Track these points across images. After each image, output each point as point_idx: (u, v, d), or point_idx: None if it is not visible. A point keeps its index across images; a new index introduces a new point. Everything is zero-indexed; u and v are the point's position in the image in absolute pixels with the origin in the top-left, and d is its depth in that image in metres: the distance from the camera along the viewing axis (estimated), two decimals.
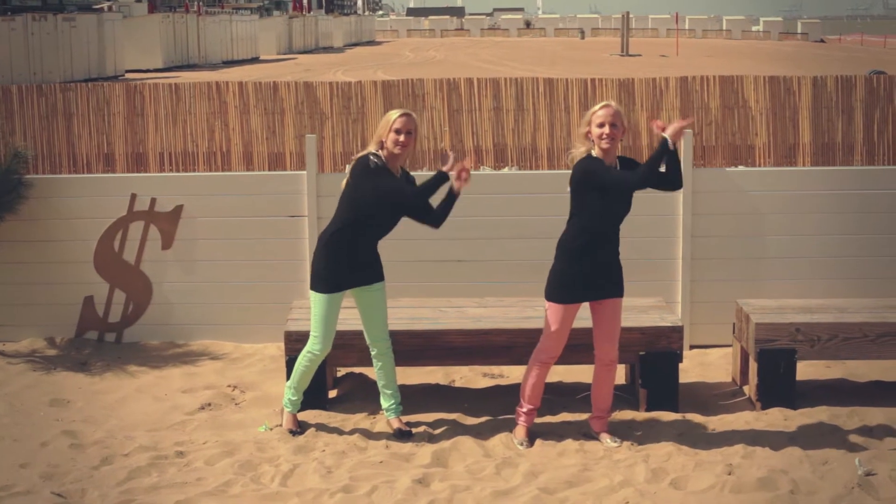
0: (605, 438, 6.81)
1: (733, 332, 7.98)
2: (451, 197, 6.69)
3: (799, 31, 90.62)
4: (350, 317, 7.17)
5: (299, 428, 6.97)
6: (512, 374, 8.10)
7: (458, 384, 8.03)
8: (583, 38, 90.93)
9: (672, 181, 6.65)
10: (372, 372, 7.43)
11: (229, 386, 7.93)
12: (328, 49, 70.83)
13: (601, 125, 6.51)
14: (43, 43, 35.98)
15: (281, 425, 7.00)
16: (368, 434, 6.94)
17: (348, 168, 6.88)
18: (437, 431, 6.96)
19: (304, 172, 8.80)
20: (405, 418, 7.05)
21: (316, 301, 6.78)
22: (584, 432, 6.93)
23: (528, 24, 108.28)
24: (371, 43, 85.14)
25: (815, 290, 8.58)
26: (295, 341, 7.23)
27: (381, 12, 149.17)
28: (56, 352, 8.71)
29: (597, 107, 6.59)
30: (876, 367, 8.15)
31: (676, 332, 7.34)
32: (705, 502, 5.94)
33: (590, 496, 5.99)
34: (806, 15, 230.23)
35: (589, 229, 6.58)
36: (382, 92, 13.99)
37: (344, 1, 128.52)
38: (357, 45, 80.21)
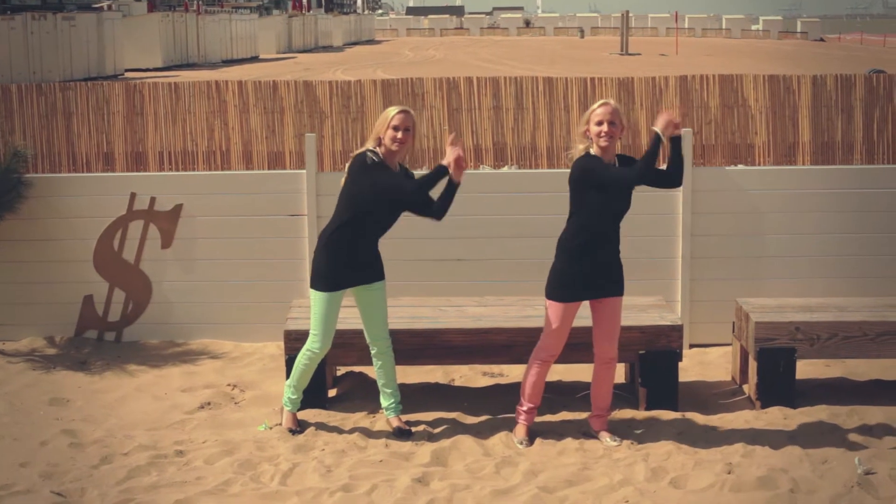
0: (605, 437, 6.81)
1: (733, 331, 7.98)
2: (452, 187, 6.63)
3: (798, 29, 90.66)
4: (350, 316, 7.17)
5: (299, 427, 6.97)
6: (512, 373, 8.10)
7: (457, 383, 8.03)
8: (582, 36, 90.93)
9: (673, 178, 6.66)
10: (371, 371, 7.43)
11: (229, 385, 7.93)
12: (328, 48, 70.82)
13: (599, 123, 6.52)
14: (42, 42, 35.96)
15: (280, 424, 7.00)
16: (368, 433, 6.94)
17: (347, 166, 6.88)
18: (437, 430, 6.96)
19: (304, 171, 8.80)
20: (405, 417, 7.05)
21: (316, 299, 6.78)
22: (584, 431, 6.93)
23: (527, 23, 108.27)
24: (370, 42, 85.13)
25: (815, 289, 8.59)
26: (294, 340, 7.23)
27: (380, 11, 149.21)
28: (56, 351, 8.71)
29: (595, 105, 6.60)
30: (876, 366, 8.15)
31: (676, 330, 7.34)
32: (705, 501, 5.94)
33: (589, 495, 5.99)
34: (805, 14, 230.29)
35: (588, 228, 6.58)
36: (382, 91, 13.99)
37: (343, 0, 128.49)
38: (356, 44, 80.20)
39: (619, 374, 7.82)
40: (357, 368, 8.04)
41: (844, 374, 8.14)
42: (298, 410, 7.07)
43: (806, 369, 7.87)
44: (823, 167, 12.07)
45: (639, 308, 7.66)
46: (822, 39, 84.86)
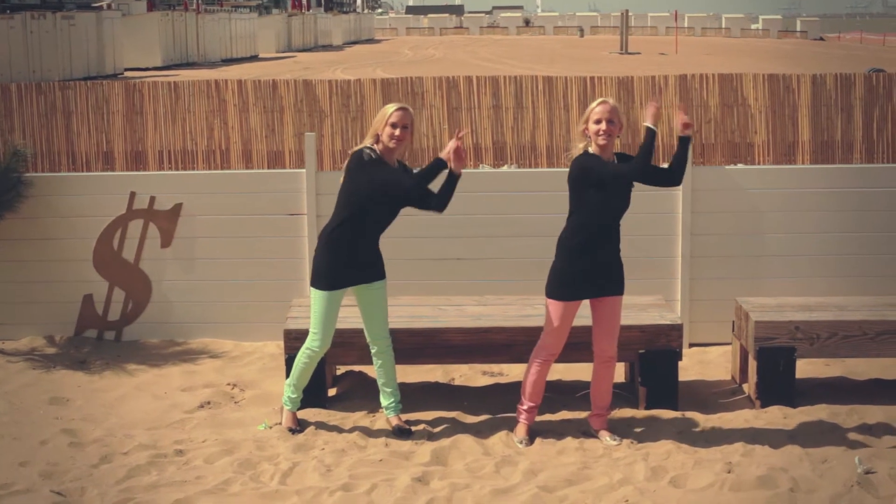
0: (605, 436, 6.81)
1: (733, 331, 7.98)
2: (452, 179, 6.61)
3: (798, 29, 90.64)
4: (350, 315, 7.17)
5: (299, 426, 6.97)
6: (511, 372, 8.11)
7: (457, 382, 8.03)
8: (582, 36, 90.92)
9: (675, 177, 6.68)
10: (371, 370, 7.43)
11: (229, 384, 7.93)
12: (327, 47, 70.79)
13: (598, 121, 6.54)
14: (42, 41, 35.95)
15: (280, 423, 7.00)
16: (368, 432, 6.93)
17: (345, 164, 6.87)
18: (437, 430, 6.96)
19: (304, 170, 8.79)
20: (405, 416, 7.05)
21: (316, 298, 6.78)
22: (584, 430, 6.93)
23: (527, 23, 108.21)
24: (370, 41, 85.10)
25: (815, 288, 8.59)
26: (294, 339, 7.23)
27: (380, 10, 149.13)
28: (55, 350, 8.70)
29: (594, 103, 6.62)
30: (875, 365, 8.15)
31: (676, 330, 7.34)
32: (705, 500, 5.94)
33: (589, 494, 5.99)
34: (805, 13, 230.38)
35: (588, 226, 6.59)
36: (382, 90, 14.00)
37: None
38: (356, 43, 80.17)
39: (619, 373, 7.82)
40: (357, 368, 8.04)
41: (844, 373, 8.14)
42: (298, 410, 7.07)
43: (806, 368, 7.87)
44: (823, 166, 12.07)
45: (639, 307, 7.66)
46: (821, 38, 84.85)
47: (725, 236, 8.74)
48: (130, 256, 8.88)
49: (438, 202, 6.70)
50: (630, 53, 56.28)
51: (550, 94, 14.21)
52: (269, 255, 8.84)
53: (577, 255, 6.61)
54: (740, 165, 12.60)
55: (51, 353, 8.64)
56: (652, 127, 6.50)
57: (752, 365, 7.45)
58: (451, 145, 6.52)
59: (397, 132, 6.63)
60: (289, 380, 7.01)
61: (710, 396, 7.71)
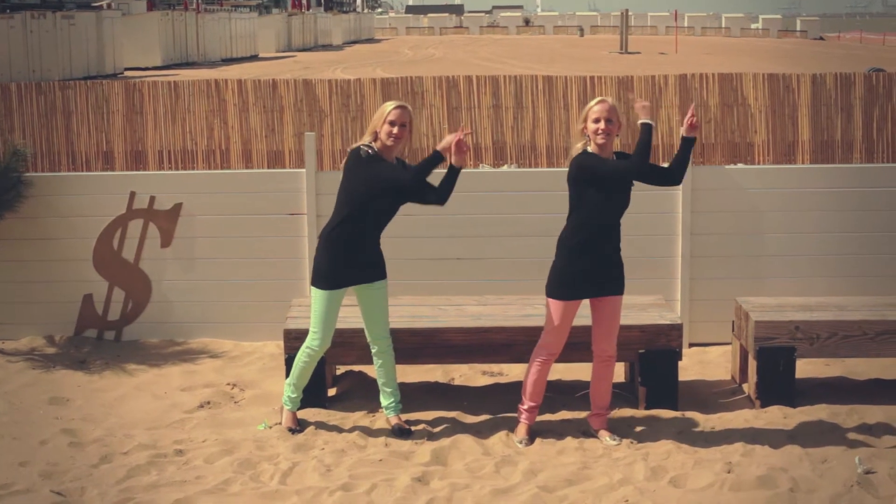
0: (605, 436, 6.81)
1: (733, 330, 7.98)
2: (453, 171, 6.62)
3: (798, 28, 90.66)
4: (349, 315, 7.17)
5: (299, 426, 6.97)
6: (511, 372, 8.10)
7: (457, 382, 8.03)
8: (582, 35, 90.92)
9: (675, 176, 6.68)
10: (371, 370, 7.43)
11: (228, 384, 7.93)
12: (327, 47, 70.78)
13: (596, 120, 6.54)
14: (42, 41, 35.94)
15: (280, 423, 7.00)
16: (368, 432, 6.93)
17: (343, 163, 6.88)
18: (437, 430, 6.95)
19: (304, 170, 8.79)
20: (404, 416, 7.05)
21: (316, 297, 6.78)
22: (584, 430, 6.93)
23: (527, 22, 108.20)
24: (370, 40, 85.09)
25: (815, 288, 8.59)
26: (294, 339, 7.23)
27: (380, 10, 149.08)
28: (55, 350, 8.70)
29: (593, 102, 6.62)
30: (875, 365, 8.15)
31: (676, 329, 7.34)
32: (704, 500, 5.93)
33: (589, 494, 5.99)
34: (805, 12, 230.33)
35: (588, 225, 6.59)
36: (381, 90, 14.01)
37: None
38: (356, 42, 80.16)
39: (619, 373, 7.83)
40: (356, 367, 8.04)
41: (844, 373, 8.14)
42: (298, 410, 7.06)
43: (805, 368, 7.87)
44: (823, 166, 12.07)
45: (639, 307, 7.66)
46: (821, 38, 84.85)
47: (725, 236, 8.74)
48: (130, 256, 8.88)
49: (439, 195, 6.70)
50: (630, 53, 56.28)
51: (550, 93, 14.22)
52: (269, 255, 8.84)
53: (577, 255, 6.61)
54: (740, 165, 12.61)
55: (51, 352, 8.64)
56: (648, 122, 6.50)
57: (752, 365, 7.45)
58: (449, 138, 6.54)
59: (395, 130, 6.63)
60: (289, 379, 7.01)
61: (710, 396, 7.71)
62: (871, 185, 8.76)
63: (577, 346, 6.97)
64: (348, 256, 6.73)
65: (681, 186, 8.47)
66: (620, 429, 6.93)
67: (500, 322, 7.46)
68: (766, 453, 6.50)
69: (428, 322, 7.51)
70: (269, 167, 13.94)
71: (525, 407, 6.86)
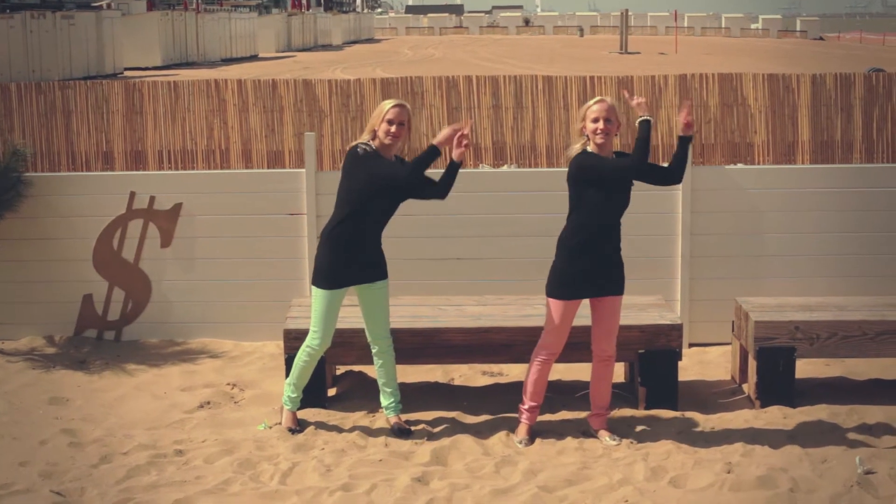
0: (605, 436, 6.81)
1: (732, 331, 7.98)
2: (453, 166, 6.63)
3: (798, 28, 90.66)
4: (350, 315, 7.17)
5: (298, 426, 6.97)
6: (511, 372, 8.10)
7: (457, 382, 8.03)
8: (582, 35, 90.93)
9: (675, 175, 6.68)
10: (371, 370, 7.43)
11: (228, 384, 7.93)
12: (327, 47, 70.78)
13: (595, 120, 6.53)
14: (42, 41, 35.94)
15: (280, 423, 7.00)
16: (368, 432, 6.93)
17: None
18: (437, 430, 6.96)
19: (303, 170, 8.79)
20: (404, 416, 7.05)
21: (317, 296, 6.78)
22: (584, 430, 6.93)
23: (526, 22, 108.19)
24: (370, 41, 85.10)
25: (815, 288, 8.59)
26: (294, 339, 7.23)
27: (379, 10, 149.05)
28: (55, 350, 8.70)
29: (591, 102, 6.62)
30: (875, 366, 8.15)
31: (676, 330, 7.34)
32: (704, 500, 5.93)
33: (589, 494, 5.99)
34: (805, 13, 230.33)
35: (588, 225, 6.59)
36: (381, 90, 14.00)
37: None
38: (356, 42, 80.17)
39: (619, 373, 7.83)
40: (356, 367, 8.04)
41: (844, 373, 8.14)
42: (298, 410, 7.06)
43: (805, 368, 7.87)
44: (823, 166, 12.07)
45: (638, 307, 7.66)
46: (821, 38, 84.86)
47: (725, 236, 8.74)
48: (130, 256, 8.88)
49: (440, 190, 6.72)
50: (630, 53, 56.28)
51: (550, 93, 14.22)
52: (269, 255, 8.84)
53: (577, 255, 6.61)
54: (740, 165, 12.60)
55: (50, 353, 8.64)
56: (646, 119, 6.49)
57: (752, 365, 7.45)
58: (445, 132, 6.55)
59: (393, 129, 6.64)
60: (289, 379, 7.01)
61: (709, 396, 7.71)
62: (871, 186, 8.76)
63: (577, 346, 6.97)
64: (349, 255, 6.73)
65: (681, 187, 8.48)
66: (620, 429, 6.93)
67: (500, 322, 7.46)
68: (766, 453, 6.50)
69: (428, 322, 7.51)
70: (269, 167, 13.93)
71: (526, 407, 6.86)
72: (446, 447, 6.64)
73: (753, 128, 14.27)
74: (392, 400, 7.03)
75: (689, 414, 7.22)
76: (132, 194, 8.84)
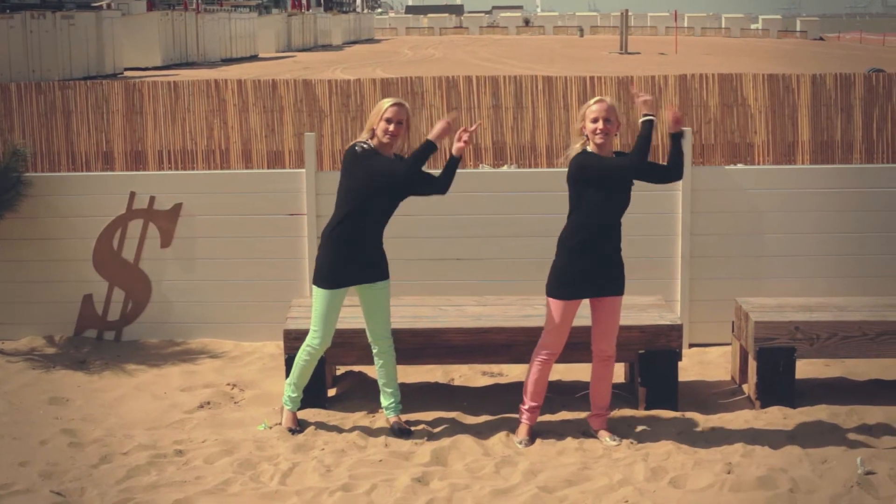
0: (605, 437, 6.81)
1: (732, 331, 7.98)
2: (453, 161, 6.63)
3: (798, 28, 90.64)
4: (350, 315, 7.17)
5: (299, 426, 6.97)
6: (511, 372, 8.10)
7: (457, 382, 8.03)
8: (582, 35, 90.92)
9: (672, 173, 6.67)
10: (371, 370, 7.43)
11: (228, 384, 7.93)
12: (327, 47, 70.77)
13: (595, 120, 6.53)
14: (42, 41, 35.94)
15: (280, 424, 6.99)
16: (368, 432, 6.93)
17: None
18: (437, 430, 6.95)
19: (303, 170, 8.79)
20: (404, 417, 7.05)
21: (317, 296, 6.78)
22: (584, 430, 6.93)
23: (526, 22, 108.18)
24: (370, 41, 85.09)
25: (815, 289, 8.58)
26: (294, 339, 7.23)
27: (379, 10, 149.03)
28: (55, 350, 8.70)
29: (591, 102, 6.62)
30: (875, 366, 8.15)
31: (676, 330, 7.34)
32: (704, 501, 5.93)
33: (589, 495, 5.99)
34: (805, 13, 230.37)
35: (588, 225, 6.59)
36: (381, 90, 14.01)
37: None
38: (356, 42, 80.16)
39: (619, 373, 7.83)
40: (357, 368, 8.04)
41: (844, 373, 8.14)
42: (298, 410, 7.06)
43: (805, 369, 7.87)
44: (823, 166, 12.07)
45: (638, 307, 7.66)
46: (821, 38, 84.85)
47: (725, 236, 8.74)
48: (130, 256, 8.88)
49: (440, 185, 6.72)
50: (630, 53, 56.28)
51: (550, 93, 14.22)
52: (269, 255, 8.84)
53: (577, 255, 6.61)
54: (740, 165, 12.60)
55: (50, 353, 8.64)
56: (650, 118, 6.48)
57: (752, 365, 7.45)
58: (439, 126, 6.56)
59: (391, 128, 6.64)
60: (289, 379, 7.01)
61: (709, 397, 7.70)
62: (871, 186, 8.76)
63: (577, 346, 6.97)
64: (349, 255, 6.73)
65: (680, 186, 8.48)
66: (620, 429, 6.93)
67: (500, 322, 7.46)
68: (766, 454, 6.50)
69: (428, 322, 7.51)
70: (268, 167, 13.94)
71: (526, 407, 6.86)
72: (446, 447, 6.64)
73: (753, 128, 14.28)
74: (392, 400, 7.03)
75: (689, 414, 7.22)
76: (132, 194, 8.84)
